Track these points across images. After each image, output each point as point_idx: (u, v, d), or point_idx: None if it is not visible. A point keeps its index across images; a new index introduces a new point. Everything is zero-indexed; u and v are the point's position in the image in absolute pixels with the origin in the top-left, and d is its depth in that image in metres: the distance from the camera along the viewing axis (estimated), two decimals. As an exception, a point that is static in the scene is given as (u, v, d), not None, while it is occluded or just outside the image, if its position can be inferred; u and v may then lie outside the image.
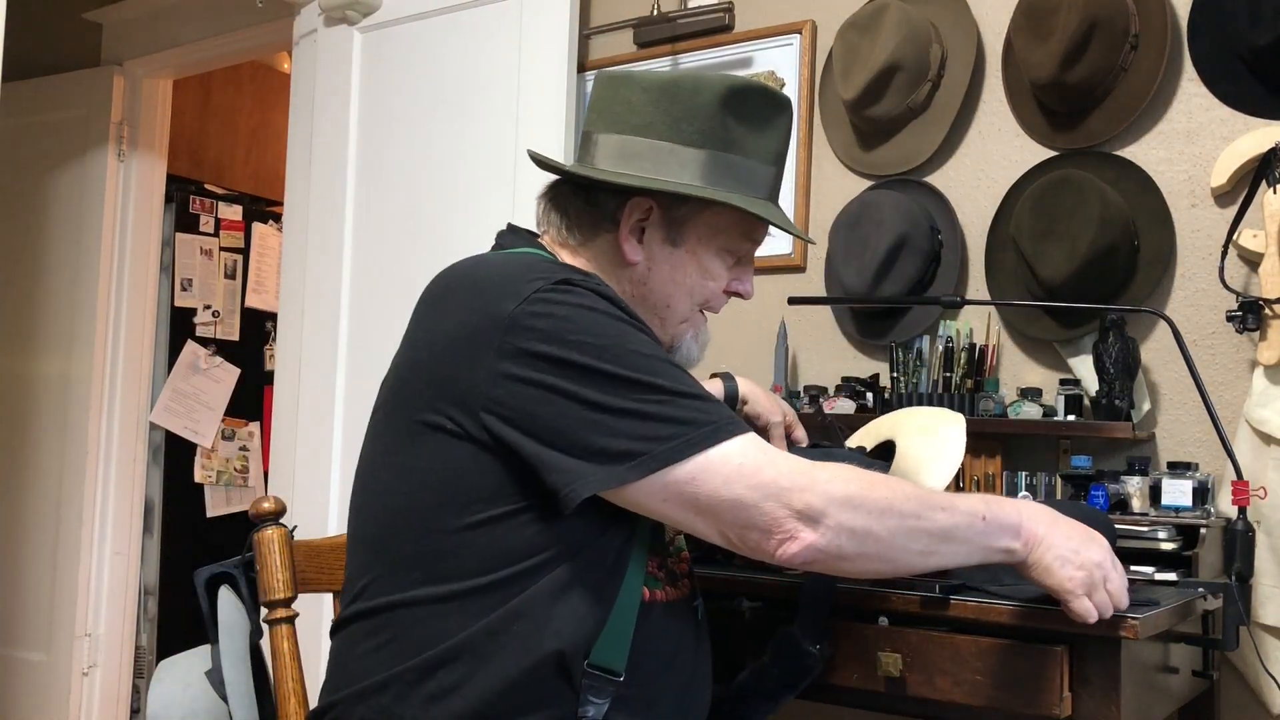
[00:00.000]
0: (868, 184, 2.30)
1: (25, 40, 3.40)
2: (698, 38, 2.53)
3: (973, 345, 2.08)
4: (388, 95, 2.75)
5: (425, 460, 1.16)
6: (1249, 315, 1.82)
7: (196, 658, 1.39)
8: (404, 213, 2.68)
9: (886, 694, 1.38)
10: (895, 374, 2.13)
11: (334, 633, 1.25)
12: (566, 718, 1.13)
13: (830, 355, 2.32)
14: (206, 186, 4.14)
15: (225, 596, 1.40)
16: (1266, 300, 1.82)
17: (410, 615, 1.16)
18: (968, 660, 1.32)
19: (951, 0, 2.23)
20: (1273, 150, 1.83)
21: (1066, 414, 1.93)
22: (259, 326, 4.17)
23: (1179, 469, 1.77)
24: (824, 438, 1.91)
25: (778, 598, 1.47)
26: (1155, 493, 1.73)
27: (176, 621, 3.81)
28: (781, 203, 1.40)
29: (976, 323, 2.14)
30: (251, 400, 4.14)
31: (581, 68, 2.62)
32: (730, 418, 1.13)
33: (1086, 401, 1.95)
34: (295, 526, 1.47)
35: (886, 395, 2.13)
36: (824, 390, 2.17)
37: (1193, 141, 1.99)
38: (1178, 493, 1.71)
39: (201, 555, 1.63)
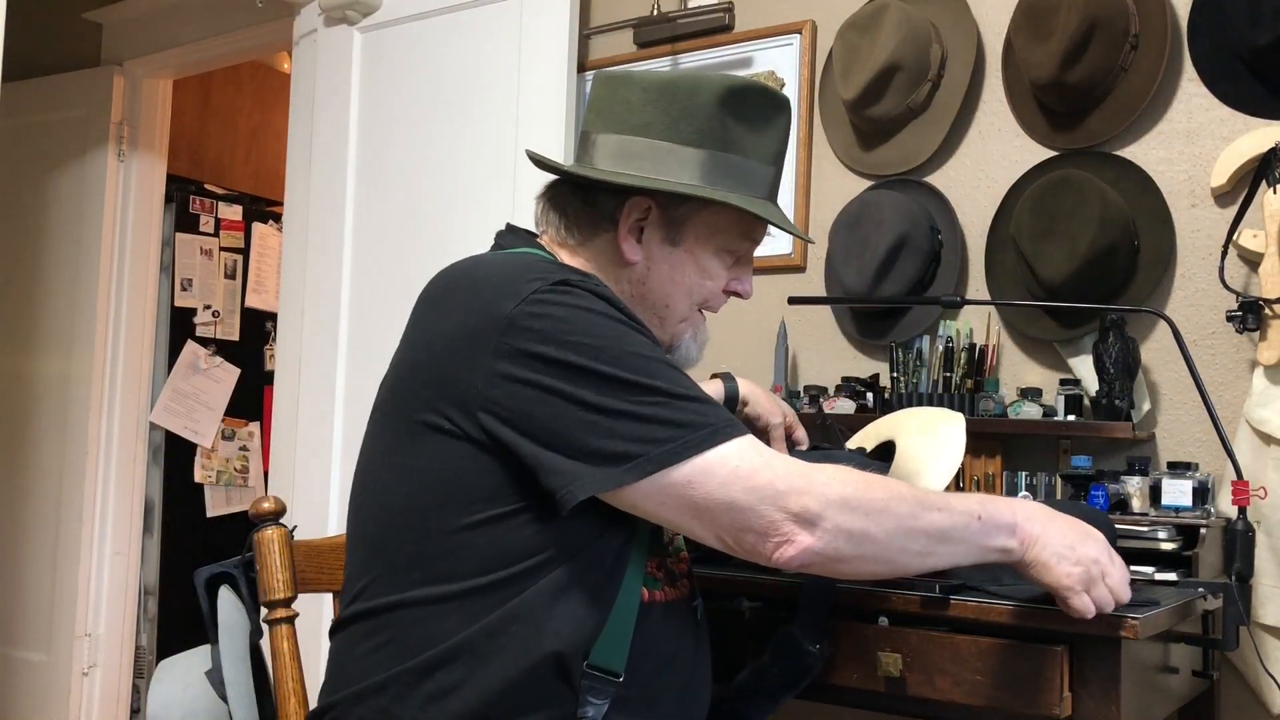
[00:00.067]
0: (868, 184, 2.30)
1: (25, 40, 3.40)
2: (698, 38, 2.53)
3: (973, 345, 2.08)
4: (388, 95, 2.75)
5: (424, 460, 1.16)
6: (1249, 315, 1.82)
7: (196, 658, 1.39)
8: (404, 213, 2.68)
9: (886, 694, 1.38)
10: (895, 374, 2.13)
11: (333, 633, 1.25)
12: (566, 718, 1.13)
13: (830, 355, 2.32)
14: (206, 186, 4.14)
15: (225, 596, 1.40)
16: (1266, 300, 1.82)
17: (409, 616, 1.16)
18: (968, 660, 1.32)
19: (951, 0, 2.23)
20: (1273, 150, 1.83)
21: (1066, 414, 1.93)
22: (259, 326, 4.17)
23: (1179, 469, 1.77)
24: (824, 439, 1.91)
25: (777, 598, 1.47)
26: (1155, 493, 1.73)
27: (176, 621, 3.81)
28: (781, 203, 1.40)
29: (976, 323, 2.14)
30: (251, 400, 4.14)
31: (581, 68, 2.62)
32: (728, 420, 1.13)
33: (1086, 401, 1.95)
34: (295, 526, 1.47)
35: (886, 395, 2.13)
36: (824, 390, 2.17)
37: (1193, 141, 1.99)
38: (1178, 493, 1.71)
39: (201, 555, 1.63)
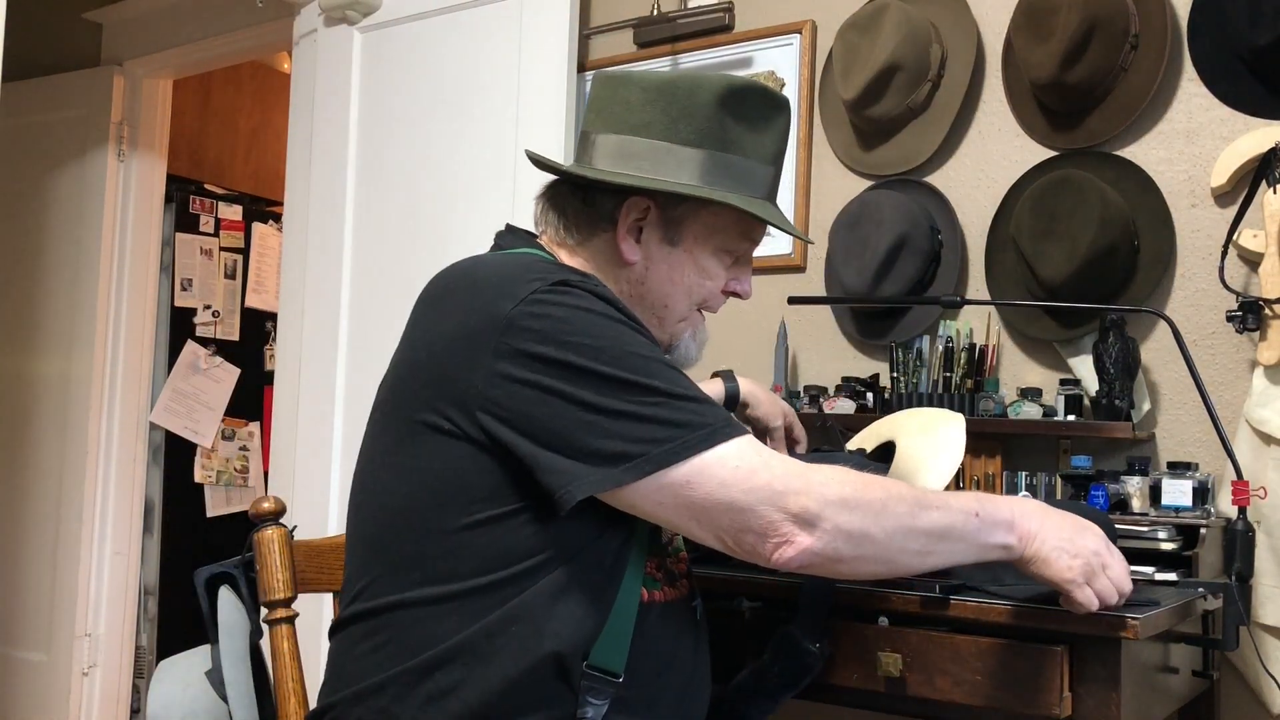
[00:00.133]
0: (868, 184, 2.30)
1: (25, 40, 3.40)
2: (698, 38, 2.53)
3: (973, 345, 2.08)
4: (388, 95, 2.75)
5: (424, 460, 1.16)
6: (1249, 315, 1.82)
7: (196, 658, 1.39)
8: (404, 213, 2.68)
9: (886, 694, 1.38)
10: (895, 374, 2.13)
11: (333, 633, 1.25)
12: (565, 719, 1.13)
13: (830, 355, 2.32)
14: (206, 186, 4.14)
15: (225, 596, 1.40)
16: (1266, 300, 1.82)
17: (409, 616, 1.16)
18: (968, 660, 1.32)
19: (951, 0, 2.23)
20: (1273, 150, 1.83)
21: (1066, 414, 1.93)
22: (259, 326, 4.17)
23: (1179, 469, 1.77)
24: (824, 440, 1.91)
25: (777, 597, 1.47)
26: (1155, 493, 1.73)
27: (176, 621, 3.81)
28: (781, 203, 1.40)
29: (976, 323, 2.14)
30: (251, 400, 4.14)
31: (581, 68, 2.62)
32: (727, 420, 1.13)
33: (1086, 401, 1.95)
34: (295, 526, 1.47)
35: (886, 395, 2.13)
36: (824, 390, 2.17)
37: (1193, 141, 1.99)
38: (1178, 493, 1.71)
39: (201, 555, 1.63)
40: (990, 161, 2.18)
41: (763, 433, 1.68)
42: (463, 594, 1.14)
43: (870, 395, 2.14)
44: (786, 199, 2.36)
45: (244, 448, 4.12)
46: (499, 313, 1.12)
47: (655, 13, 2.57)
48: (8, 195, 3.88)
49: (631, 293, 1.30)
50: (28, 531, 3.74)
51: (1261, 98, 1.91)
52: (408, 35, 2.73)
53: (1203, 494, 1.71)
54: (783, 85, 2.41)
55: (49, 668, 3.63)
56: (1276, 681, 1.77)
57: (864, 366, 2.26)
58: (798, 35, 2.41)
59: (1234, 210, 1.88)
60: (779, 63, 2.43)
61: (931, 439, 1.53)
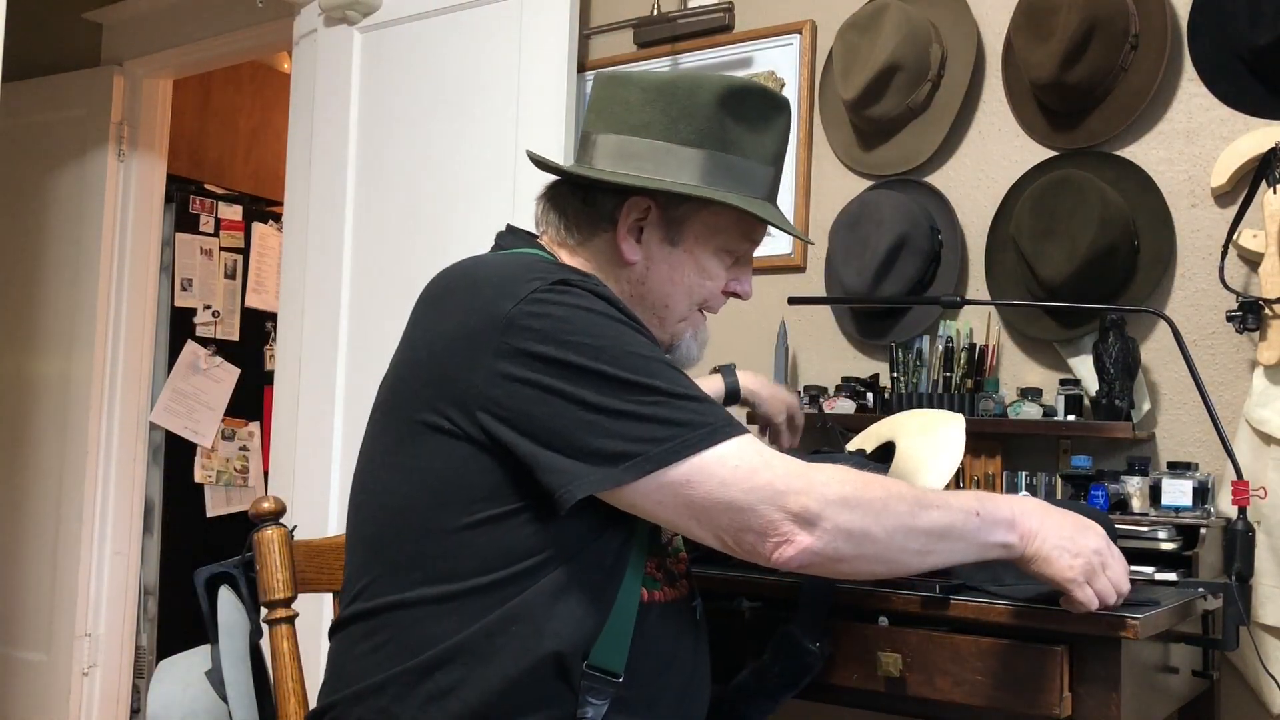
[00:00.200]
0: (868, 184, 2.30)
1: (25, 40, 3.40)
2: (698, 38, 2.53)
3: (973, 345, 2.08)
4: (388, 95, 2.75)
5: (424, 460, 1.16)
6: (1249, 315, 1.82)
7: (196, 658, 1.39)
8: (404, 213, 2.68)
9: (886, 694, 1.38)
10: (895, 374, 2.13)
11: (332, 633, 1.25)
12: (565, 718, 1.13)
13: (830, 355, 2.32)
14: (206, 186, 4.14)
15: (225, 596, 1.40)
16: (1266, 300, 1.82)
17: (409, 616, 1.16)
18: (968, 660, 1.32)
19: (951, 0, 2.23)
20: (1273, 150, 1.83)
21: (1066, 414, 1.93)
22: (259, 326, 4.17)
23: (1179, 469, 1.77)
24: (824, 441, 1.91)
25: (777, 597, 1.47)
26: (1155, 493, 1.73)
27: (176, 621, 3.81)
28: (781, 203, 1.40)
29: (976, 323, 2.14)
30: (251, 400, 4.14)
31: (581, 68, 2.62)
32: (727, 420, 1.13)
33: (1086, 401, 1.95)
34: (295, 526, 1.47)
35: (886, 395, 2.13)
36: (824, 390, 2.17)
37: (1193, 141, 1.99)
38: (1178, 493, 1.71)
39: (201, 555, 1.63)
40: (990, 161, 2.18)
41: (776, 428, 1.71)
42: (463, 594, 1.14)
43: (870, 395, 2.14)
44: (786, 199, 2.36)
45: (244, 448, 4.13)
46: (499, 312, 1.12)
47: (655, 13, 2.57)
48: (8, 195, 3.88)
49: (632, 293, 1.30)
50: (28, 531, 3.74)
51: (1261, 98, 1.91)
52: (408, 35, 2.73)
53: (1203, 494, 1.71)
54: (783, 85, 2.41)
55: (49, 668, 3.63)
56: (1276, 681, 1.77)
57: (864, 366, 2.26)
58: (798, 35, 2.41)
59: (1234, 210, 1.88)
60: (779, 63, 2.43)
61: (931, 439, 1.53)
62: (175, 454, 3.93)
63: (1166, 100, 2.01)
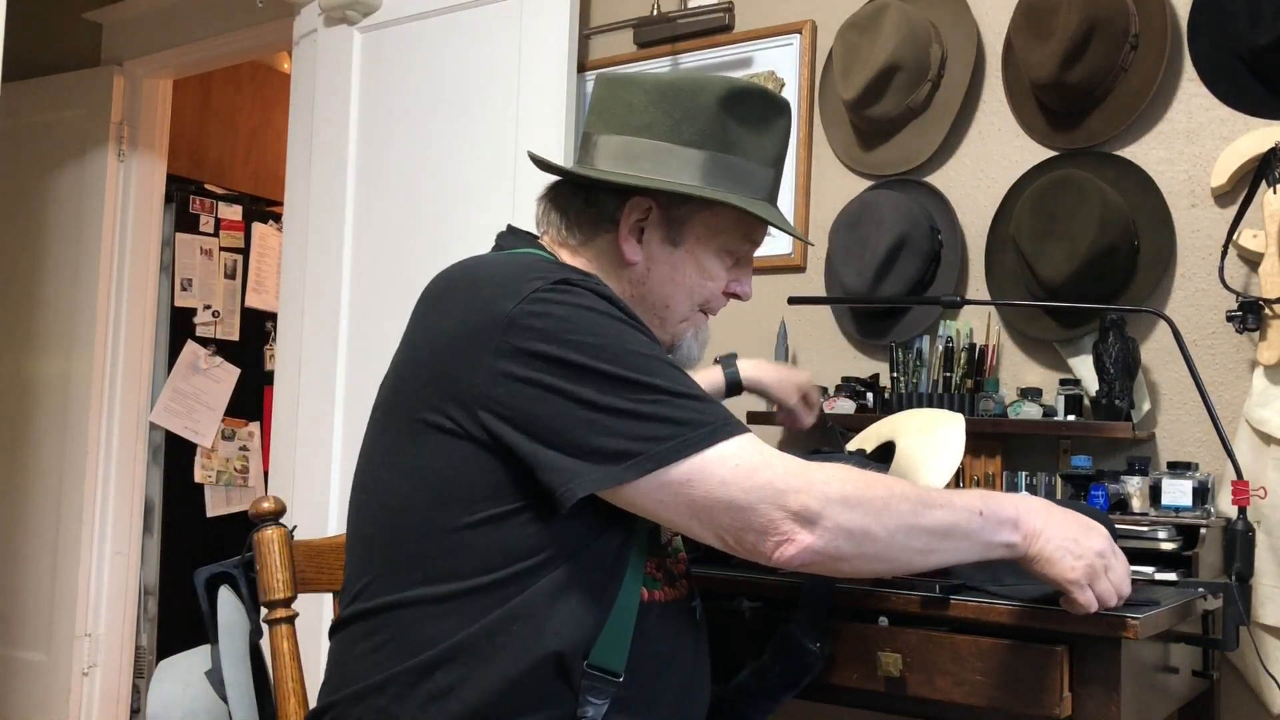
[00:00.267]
0: (868, 184, 2.30)
1: (25, 40, 3.40)
2: (698, 38, 2.53)
3: (973, 345, 2.09)
4: (388, 95, 2.75)
5: (424, 459, 1.16)
6: (1249, 315, 1.82)
7: (196, 658, 1.39)
8: (404, 213, 2.68)
9: (886, 694, 1.38)
10: (895, 374, 2.13)
11: (333, 633, 1.25)
12: (566, 718, 1.13)
13: (830, 355, 2.32)
14: (206, 186, 4.14)
15: (225, 596, 1.40)
16: (1266, 300, 1.82)
17: (408, 616, 1.16)
18: (968, 660, 1.32)
19: (951, 0, 2.23)
20: (1273, 150, 1.83)
21: (1066, 414, 1.93)
22: (259, 326, 4.17)
23: (1179, 469, 1.77)
24: (824, 441, 1.92)
25: (777, 597, 1.47)
26: (1155, 493, 1.73)
27: (176, 621, 3.81)
28: (781, 203, 1.40)
29: (976, 323, 2.14)
30: (251, 400, 4.14)
31: (581, 68, 2.62)
32: (727, 418, 1.13)
33: (1086, 401, 1.95)
34: (295, 526, 1.47)
35: (886, 395, 2.13)
36: (824, 390, 2.17)
37: (1193, 141, 1.99)
38: (1178, 493, 1.71)
39: (201, 555, 1.63)
40: (990, 161, 2.18)
41: (788, 413, 1.76)
42: (463, 593, 1.14)
43: (870, 395, 2.14)
44: (786, 199, 2.36)
45: (244, 448, 4.13)
46: (500, 311, 1.12)
47: (655, 13, 2.57)
48: (8, 195, 3.88)
49: (633, 293, 1.30)
50: (28, 531, 3.74)
51: (1261, 98, 1.91)
52: (408, 35, 2.73)
53: (1203, 494, 1.71)
54: (783, 85, 2.41)
55: (49, 668, 3.63)
56: (1276, 681, 1.77)
57: (864, 366, 2.26)
58: (798, 35, 2.41)
59: (1234, 210, 1.88)
60: (779, 63, 2.43)
61: (931, 439, 1.53)
62: (175, 454, 3.93)
63: (1166, 100, 2.01)
